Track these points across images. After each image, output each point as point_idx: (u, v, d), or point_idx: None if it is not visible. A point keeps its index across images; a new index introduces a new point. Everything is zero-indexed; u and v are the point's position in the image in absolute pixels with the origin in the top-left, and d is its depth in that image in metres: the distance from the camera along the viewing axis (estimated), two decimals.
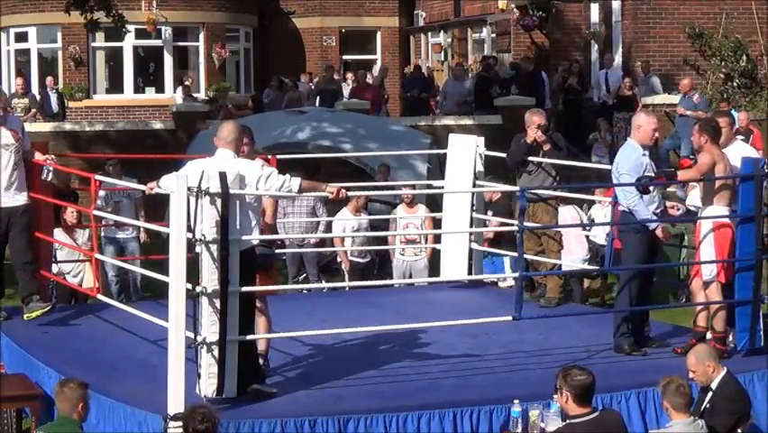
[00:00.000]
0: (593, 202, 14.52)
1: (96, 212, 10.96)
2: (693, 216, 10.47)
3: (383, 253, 14.74)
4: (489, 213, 13.87)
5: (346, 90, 27.09)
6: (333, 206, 14.51)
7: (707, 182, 9.80)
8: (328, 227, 14.63)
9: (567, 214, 13.79)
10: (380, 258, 14.90)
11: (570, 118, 23.70)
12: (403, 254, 14.24)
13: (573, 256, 13.70)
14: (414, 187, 15.40)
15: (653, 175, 9.59)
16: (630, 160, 9.77)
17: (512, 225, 11.88)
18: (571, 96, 24.05)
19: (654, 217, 9.90)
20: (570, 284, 14.45)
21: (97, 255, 11.20)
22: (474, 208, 12.51)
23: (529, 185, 11.60)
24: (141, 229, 14.46)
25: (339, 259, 14.62)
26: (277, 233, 9.85)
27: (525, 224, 10.29)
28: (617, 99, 22.87)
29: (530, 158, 11.92)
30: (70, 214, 13.10)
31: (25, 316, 10.61)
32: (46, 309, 10.58)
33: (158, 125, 23.34)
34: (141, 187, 9.58)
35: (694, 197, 10.80)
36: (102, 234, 14.35)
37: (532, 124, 11.86)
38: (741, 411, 8.23)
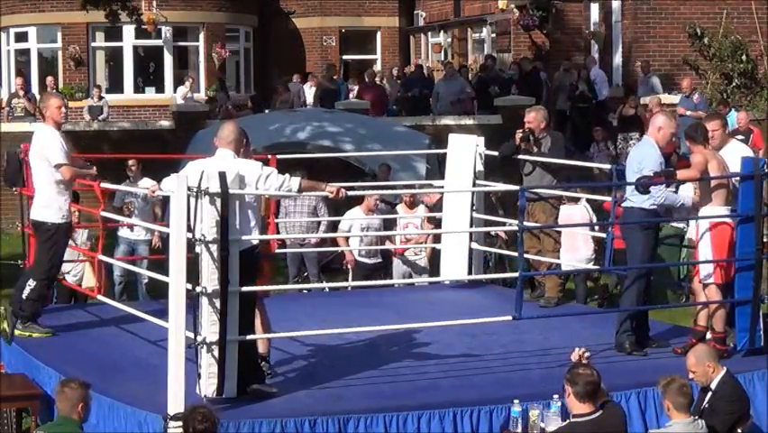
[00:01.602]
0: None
1: (103, 213, 10.93)
2: (692, 216, 10.46)
3: (385, 253, 14.71)
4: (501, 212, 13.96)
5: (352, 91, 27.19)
6: (343, 206, 14.50)
7: (703, 182, 9.80)
8: (330, 227, 14.60)
9: (577, 212, 13.81)
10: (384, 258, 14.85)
11: (581, 124, 23.37)
12: (403, 254, 14.23)
13: (579, 255, 13.71)
14: (414, 188, 15.40)
15: (652, 174, 9.60)
16: (653, 158, 9.76)
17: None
18: (582, 104, 23.77)
19: (687, 199, 10.01)
20: (575, 283, 14.49)
21: (101, 256, 11.18)
22: (474, 208, 12.51)
23: (526, 184, 11.62)
24: (156, 233, 14.44)
25: (346, 259, 14.53)
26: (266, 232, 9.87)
27: (525, 223, 10.30)
28: (620, 119, 22.61)
29: (527, 157, 11.95)
30: (73, 215, 13.07)
31: (17, 333, 10.32)
32: (45, 335, 10.38)
33: (158, 125, 23.34)
34: (144, 190, 9.59)
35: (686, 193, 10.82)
36: (118, 233, 14.39)
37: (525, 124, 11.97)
38: (740, 411, 8.23)
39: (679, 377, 7.79)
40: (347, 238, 14.20)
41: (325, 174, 14.41)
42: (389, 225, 14.66)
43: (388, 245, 14.43)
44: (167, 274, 8.39)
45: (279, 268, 15.90)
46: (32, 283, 10.37)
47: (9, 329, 10.26)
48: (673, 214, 11.24)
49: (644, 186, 9.59)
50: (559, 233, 12.36)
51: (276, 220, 13.81)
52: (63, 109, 10.42)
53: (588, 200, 13.93)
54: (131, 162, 15.40)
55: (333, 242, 14.83)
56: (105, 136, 22.44)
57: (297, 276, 15.13)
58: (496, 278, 13.00)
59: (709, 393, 8.15)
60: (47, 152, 10.23)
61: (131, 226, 14.22)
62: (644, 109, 21.83)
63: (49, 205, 10.33)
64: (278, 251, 13.77)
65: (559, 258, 12.32)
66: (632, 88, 23.74)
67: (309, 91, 28.26)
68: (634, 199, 9.89)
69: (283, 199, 14.32)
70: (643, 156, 9.80)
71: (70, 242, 12.86)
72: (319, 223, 14.80)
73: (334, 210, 14.96)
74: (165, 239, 10.03)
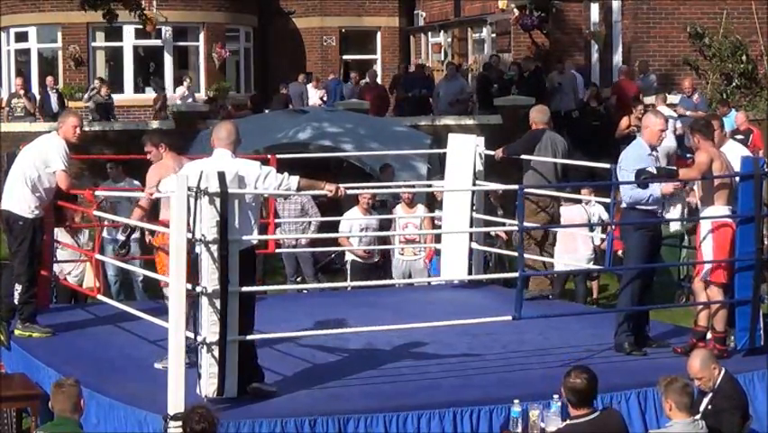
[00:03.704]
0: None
1: (96, 213, 10.95)
2: (693, 217, 10.44)
3: (385, 253, 14.69)
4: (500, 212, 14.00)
5: (346, 90, 27.19)
6: (346, 205, 14.48)
7: (705, 182, 9.80)
8: (323, 227, 14.54)
9: (575, 213, 13.84)
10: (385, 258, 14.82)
11: (596, 144, 22.91)
12: (402, 254, 14.22)
13: (578, 255, 13.72)
14: (413, 187, 15.40)
15: (654, 171, 9.60)
16: (632, 157, 9.77)
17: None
18: (596, 122, 23.21)
19: (656, 190, 9.89)
20: (575, 283, 14.52)
21: (97, 256, 11.19)
22: (474, 208, 12.52)
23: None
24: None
25: (345, 258, 14.49)
26: None
27: (525, 224, 10.31)
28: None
29: (524, 156, 12.18)
30: (79, 215, 13.06)
31: (18, 332, 10.35)
32: (45, 335, 10.39)
33: (158, 125, 23.32)
34: (141, 194, 9.64)
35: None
36: (104, 234, 14.36)
37: None
38: (742, 409, 8.21)
39: (680, 377, 7.77)
40: (348, 238, 14.17)
41: (333, 176, 14.41)
42: (388, 224, 14.65)
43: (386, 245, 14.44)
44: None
45: (278, 268, 15.90)
46: (18, 288, 10.39)
47: (4, 337, 10.28)
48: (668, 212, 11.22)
49: (644, 184, 9.60)
50: (546, 233, 12.43)
51: (275, 220, 13.85)
52: (78, 130, 10.44)
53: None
54: (111, 163, 15.46)
55: (332, 242, 14.81)
56: (105, 136, 22.43)
57: (294, 276, 15.11)
58: (496, 278, 13.00)
59: (710, 394, 8.12)
60: (48, 157, 10.26)
61: (117, 226, 14.21)
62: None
63: (19, 199, 10.35)
64: (278, 250, 13.82)
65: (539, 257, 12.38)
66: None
67: (312, 92, 28.32)
68: (626, 200, 9.92)
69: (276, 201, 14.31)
70: (626, 155, 9.85)
71: (72, 242, 12.90)
72: (311, 223, 14.75)
73: (329, 210, 14.94)
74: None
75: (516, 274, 9.85)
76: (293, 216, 14.58)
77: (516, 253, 10.58)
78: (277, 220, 14.42)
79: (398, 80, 27.94)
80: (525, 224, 10.54)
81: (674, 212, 11.28)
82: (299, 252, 14.70)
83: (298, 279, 15.07)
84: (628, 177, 9.69)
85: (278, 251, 14.30)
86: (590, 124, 23.15)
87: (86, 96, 26.74)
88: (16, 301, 10.39)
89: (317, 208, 14.80)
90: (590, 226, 14.14)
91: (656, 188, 9.75)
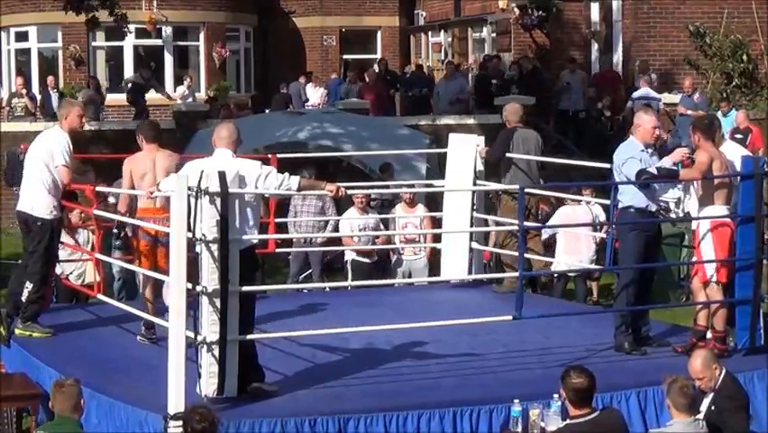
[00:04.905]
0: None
1: (96, 212, 10.94)
2: (693, 217, 10.43)
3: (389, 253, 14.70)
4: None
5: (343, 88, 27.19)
6: (344, 205, 14.50)
7: (705, 181, 9.79)
8: (337, 227, 14.58)
9: (580, 212, 13.84)
10: (386, 257, 14.83)
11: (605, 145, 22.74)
12: (402, 254, 14.23)
13: (581, 256, 13.73)
14: (413, 187, 15.41)
15: (654, 171, 9.59)
16: (623, 155, 9.76)
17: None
18: (611, 132, 23.10)
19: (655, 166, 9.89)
20: (575, 283, 14.53)
21: (98, 255, 11.18)
22: (474, 208, 12.52)
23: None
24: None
25: (346, 258, 14.53)
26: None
27: (526, 223, 10.31)
28: None
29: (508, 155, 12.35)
30: (76, 215, 13.07)
31: (18, 332, 10.35)
32: (45, 335, 10.40)
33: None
34: (141, 192, 9.66)
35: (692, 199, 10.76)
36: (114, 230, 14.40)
37: None
38: (745, 408, 8.21)
39: (682, 377, 7.77)
40: (352, 237, 14.19)
41: (329, 175, 14.43)
42: (389, 224, 14.66)
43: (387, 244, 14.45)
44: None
45: (278, 268, 15.91)
46: (28, 286, 10.38)
47: (5, 332, 10.27)
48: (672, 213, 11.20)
49: (645, 184, 9.60)
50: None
51: (284, 219, 13.86)
52: (84, 118, 10.64)
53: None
54: None
55: (335, 241, 14.83)
56: (104, 136, 22.43)
57: (297, 275, 15.12)
58: (496, 278, 13.00)
59: (711, 394, 8.12)
60: (53, 151, 10.29)
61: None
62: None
63: (36, 201, 10.36)
64: (282, 250, 13.83)
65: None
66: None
67: (312, 91, 28.34)
68: (622, 199, 9.90)
69: (292, 199, 14.35)
70: (617, 153, 9.85)
71: (72, 242, 12.88)
72: (326, 223, 14.79)
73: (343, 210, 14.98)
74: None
75: (515, 274, 9.85)
76: (312, 213, 14.59)
77: (515, 253, 10.57)
78: (295, 219, 14.47)
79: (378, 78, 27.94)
80: (526, 223, 10.54)
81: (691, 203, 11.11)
82: (312, 250, 14.70)
83: (302, 277, 15.08)
84: (631, 164, 9.66)
85: (291, 250, 14.33)
86: (604, 127, 23.20)
87: (79, 98, 26.65)
88: (24, 299, 10.39)
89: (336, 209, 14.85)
90: (593, 227, 14.14)
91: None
